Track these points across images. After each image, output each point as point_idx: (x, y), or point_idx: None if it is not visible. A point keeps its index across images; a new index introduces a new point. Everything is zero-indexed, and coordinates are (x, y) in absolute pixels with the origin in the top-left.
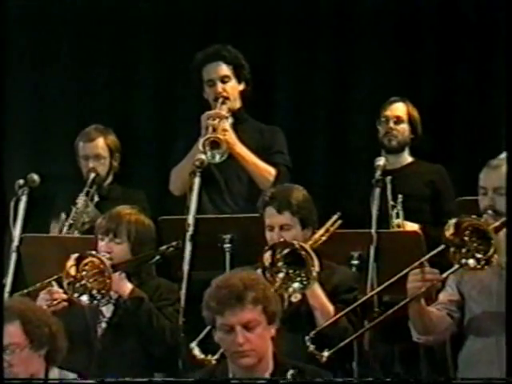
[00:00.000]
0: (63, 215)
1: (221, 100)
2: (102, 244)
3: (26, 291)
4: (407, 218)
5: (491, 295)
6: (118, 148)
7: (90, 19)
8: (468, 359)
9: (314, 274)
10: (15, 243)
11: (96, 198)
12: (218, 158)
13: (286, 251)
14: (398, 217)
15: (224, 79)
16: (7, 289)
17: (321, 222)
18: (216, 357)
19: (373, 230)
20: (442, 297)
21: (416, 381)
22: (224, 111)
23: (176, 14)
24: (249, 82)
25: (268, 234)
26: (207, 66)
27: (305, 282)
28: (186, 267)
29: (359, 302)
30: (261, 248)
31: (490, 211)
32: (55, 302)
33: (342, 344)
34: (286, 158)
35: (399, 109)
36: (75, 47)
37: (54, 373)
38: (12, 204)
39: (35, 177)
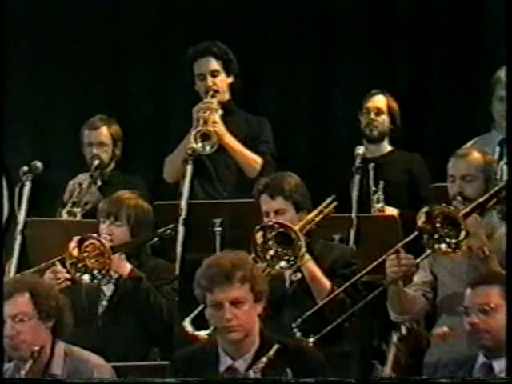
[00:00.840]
0: (67, 195)
1: (211, 93)
2: (103, 227)
3: (32, 270)
4: (387, 203)
5: (461, 276)
6: (121, 137)
7: (89, 16)
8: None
9: (301, 253)
10: (20, 227)
11: (99, 183)
12: (208, 149)
13: (274, 232)
14: (378, 202)
15: (214, 73)
16: (12, 269)
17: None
18: (207, 332)
19: (353, 215)
20: (416, 278)
21: (416, 380)
22: (214, 104)
23: (170, 12)
24: (237, 76)
25: (265, 220)
26: (198, 60)
27: (291, 262)
28: (179, 249)
29: (349, 282)
30: (249, 231)
31: (458, 197)
32: (59, 281)
33: (325, 330)
34: (271, 147)
35: (380, 101)
36: (76, 43)
37: (60, 346)
38: (17, 189)
39: (38, 164)
